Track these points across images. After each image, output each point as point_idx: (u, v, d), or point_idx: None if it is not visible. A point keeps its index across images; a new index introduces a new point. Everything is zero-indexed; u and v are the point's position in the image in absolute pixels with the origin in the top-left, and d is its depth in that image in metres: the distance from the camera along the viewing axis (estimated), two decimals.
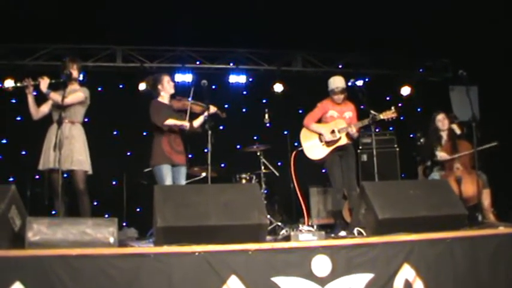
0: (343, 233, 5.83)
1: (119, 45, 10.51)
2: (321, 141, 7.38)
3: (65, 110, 6.00)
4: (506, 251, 4.97)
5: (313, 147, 7.39)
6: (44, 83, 6.08)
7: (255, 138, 9.44)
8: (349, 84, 7.47)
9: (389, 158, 9.88)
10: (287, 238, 5.03)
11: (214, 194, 5.02)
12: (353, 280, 4.59)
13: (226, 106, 9.75)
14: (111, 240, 4.56)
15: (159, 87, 6.92)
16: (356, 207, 5.71)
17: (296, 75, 11.30)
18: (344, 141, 7.30)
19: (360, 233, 5.28)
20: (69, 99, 6.09)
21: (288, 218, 9.02)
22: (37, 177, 8.63)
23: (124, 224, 8.55)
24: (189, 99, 6.82)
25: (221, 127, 9.26)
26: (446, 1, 8.63)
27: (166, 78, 6.96)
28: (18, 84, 6.14)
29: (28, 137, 7.75)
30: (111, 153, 9.67)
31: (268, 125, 8.76)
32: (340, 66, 11.24)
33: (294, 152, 7.65)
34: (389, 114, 7.23)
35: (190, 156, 8.19)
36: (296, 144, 7.67)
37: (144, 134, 7.09)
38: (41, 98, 6.32)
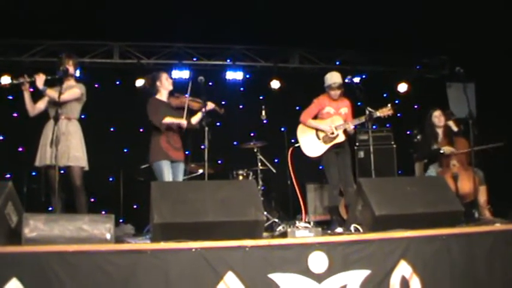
0: (339, 230, 5.85)
1: (116, 42, 10.51)
2: (318, 138, 7.38)
3: (61, 106, 6.00)
4: (503, 247, 4.97)
5: (310, 144, 7.39)
6: (40, 79, 6.06)
7: (252, 134, 9.46)
8: (346, 81, 7.47)
9: (386, 155, 9.89)
10: (284, 234, 5.05)
11: (211, 191, 5.01)
12: (350, 276, 4.59)
13: (223, 102, 9.66)
14: (108, 236, 4.56)
15: (158, 84, 6.96)
16: (353, 204, 5.72)
17: (293, 71, 11.31)
18: (341, 138, 7.31)
19: (356, 230, 5.29)
20: (65, 96, 6.08)
21: (285, 215, 9.01)
22: (34, 173, 8.60)
23: (121, 220, 8.54)
24: (187, 95, 6.82)
25: (218, 123, 9.25)
26: None
27: (164, 75, 7.01)
28: (15, 81, 6.13)
29: (25, 133, 7.74)
30: (108, 149, 9.66)
31: (265, 121, 8.76)
32: (337, 63, 11.25)
33: (291, 149, 7.65)
34: (385, 112, 7.24)
35: (187, 152, 8.19)
36: (293, 140, 7.67)
37: (141, 130, 7.09)
38: (37, 95, 6.31)
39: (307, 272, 4.53)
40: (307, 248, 4.62)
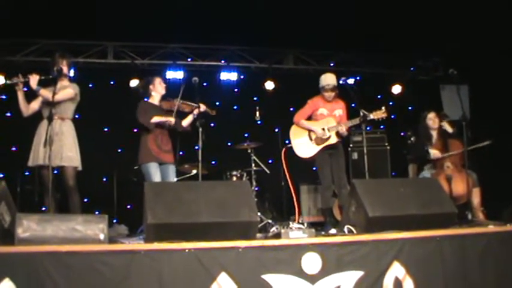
0: (333, 231, 5.85)
1: (110, 42, 10.49)
2: (311, 139, 7.39)
3: (55, 106, 5.98)
4: (496, 249, 4.99)
5: (303, 145, 7.40)
6: (34, 79, 6.05)
7: (246, 135, 9.46)
8: (341, 82, 7.47)
9: (380, 156, 9.91)
10: (277, 235, 5.04)
11: (205, 191, 5.01)
12: (343, 277, 4.60)
13: (217, 103, 9.78)
14: (101, 236, 4.55)
15: (151, 87, 7.05)
16: (346, 205, 5.72)
17: (287, 73, 11.31)
18: (334, 140, 7.31)
19: (350, 231, 5.29)
20: (59, 96, 6.06)
21: (279, 216, 9.02)
22: (27, 173, 8.59)
23: (114, 220, 8.54)
24: (179, 99, 6.85)
25: (212, 124, 9.26)
26: (437, 0, 8.65)
27: (158, 80, 7.10)
28: (8, 82, 6.11)
29: (18, 133, 7.72)
30: (102, 149, 9.64)
31: (259, 122, 8.77)
32: (331, 65, 11.26)
33: (284, 149, 7.66)
34: (379, 114, 7.25)
35: (181, 153, 8.20)
36: (287, 141, 7.68)
37: (135, 130, 7.06)
38: (31, 94, 6.29)
39: (300, 273, 4.53)
40: (301, 249, 4.62)
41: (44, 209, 6.49)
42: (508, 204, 6.35)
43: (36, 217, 4.50)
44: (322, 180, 7.38)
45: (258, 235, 5.30)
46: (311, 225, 7.25)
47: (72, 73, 6.87)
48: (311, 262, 4.57)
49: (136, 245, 4.85)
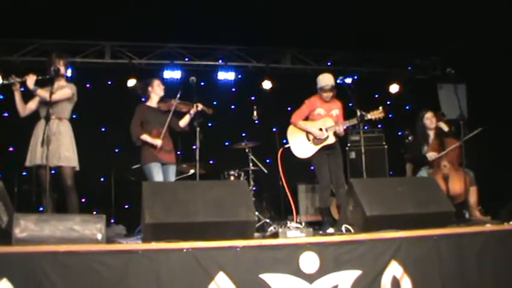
0: (331, 230, 5.85)
1: (107, 41, 10.48)
2: (309, 139, 7.39)
3: (52, 106, 5.97)
4: (493, 247, 4.99)
5: (300, 145, 7.41)
6: (31, 79, 6.04)
7: (244, 135, 9.46)
8: (338, 81, 7.49)
9: (378, 156, 9.93)
10: (275, 235, 5.04)
11: (203, 191, 5.01)
12: (341, 277, 4.60)
13: (214, 103, 9.76)
14: (99, 236, 4.55)
15: (149, 89, 7.15)
16: (344, 204, 5.72)
17: (285, 72, 11.31)
18: (332, 140, 7.32)
19: (347, 230, 5.29)
20: (56, 96, 6.06)
21: (276, 215, 9.02)
22: (24, 173, 8.59)
23: (112, 220, 8.54)
24: (176, 99, 6.89)
25: (210, 124, 9.25)
26: (435, 0, 8.67)
27: (157, 82, 7.20)
28: (5, 82, 6.10)
29: (15, 133, 7.72)
30: (99, 149, 9.64)
31: (256, 122, 8.76)
32: (329, 64, 11.26)
33: (281, 149, 7.66)
34: (376, 114, 7.26)
35: (179, 153, 8.20)
36: (285, 141, 7.68)
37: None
38: (28, 95, 6.29)
39: (298, 273, 4.53)
40: (299, 248, 4.62)
41: (41, 209, 6.49)
42: (505, 203, 6.36)
43: (33, 217, 4.50)
44: (320, 180, 7.39)
45: (256, 234, 5.30)
46: (309, 224, 7.25)
47: (69, 73, 6.87)
48: (309, 261, 4.58)
49: (134, 244, 4.84)
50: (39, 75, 6.12)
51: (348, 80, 9.59)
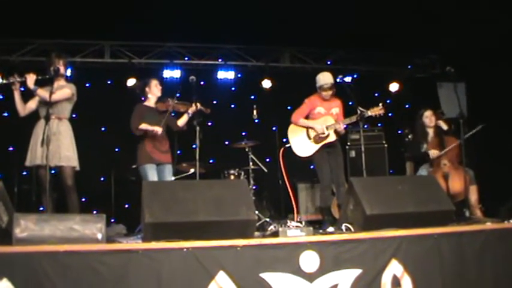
0: (331, 229, 5.85)
1: (107, 41, 10.47)
2: (309, 137, 7.39)
3: (52, 106, 5.97)
4: (493, 246, 4.99)
5: (301, 144, 7.41)
6: (31, 79, 6.04)
7: (244, 134, 9.46)
8: (338, 80, 7.49)
9: (378, 154, 9.93)
10: (275, 234, 5.04)
11: (203, 190, 5.01)
12: (341, 276, 4.60)
13: (214, 102, 9.79)
14: (99, 236, 4.55)
15: (147, 89, 7.19)
16: (344, 203, 5.72)
17: (284, 71, 11.30)
18: (332, 138, 7.32)
19: (348, 229, 5.30)
20: (56, 96, 6.06)
21: (276, 214, 9.03)
22: (24, 173, 8.59)
23: (112, 220, 8.52)
24: (174, 99, 6.91)
25: (209, 123, 9.26)
26: None
27: (154, 82, 7.22)
28: (5, 81, 6.10)
29: (15, 133, 7.71)
30: (99, 149, 9.64)
31: (256, 121, 8.76)
32: (328, 63, 11.25)
33: (282, 149, 7.65)
34: (376, 111, 7.26)
35: (178, 152, 8.19)
36: (285, 140, 7.68)
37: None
38: (28, 94, 6.29)
39: (298, 271, 4.53)
40: (299, 247, 4.63)
41: (41, 208, 6.49)
42: (505, 201, 6.36)
43: (33, 217, 4.50)
44: (320, 179, 7.39)
45: (256, 234, 5.29)
46: (309, 223, 7.28)
47: (68, 73, 6.87)
48: (309, 260, 4.58)
49: (134, 244, 4.84)
50: (38, 75, 6.12)
51: (348, 79, 9.61)
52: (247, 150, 8.76)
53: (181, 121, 7.16)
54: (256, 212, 6.08)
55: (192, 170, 8.54)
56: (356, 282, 4.62)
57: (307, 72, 10.89)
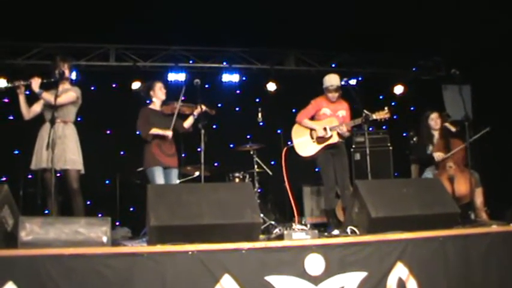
0: (336, 232, 5.84)
1: (112, 44, 10.49)
2: (312, 137, 7.40)
3: (57, 109, 5.99)
4: (499, 249, 4.98)
5: (304, 144, 7.41)
6: (36, 83, 6.07)
7: (248, 137, 9.45)
8: (342, 83, 7.48)
9: (383, 157, 9.90)
10: (280, 237, 5.03)
11: (208, 193, 5.01)
12: (346, 279, 4.60)
13: (219, 105, 9.81)
14: (104, 239, 4.55)
15: (151, 93, 7.23)
16: (349, 206, 5.71)
17: (289, 74, 11.29)
18: (335, 139, 7.31)
19: (353, 232, 5.29)
20: (61, 99, 6.08)
21: (281, 217, 9.02)
22: (30, 176, 8.61)
23: (117, 223, 8.52)
24: (179, 101, 6.93)
25: (214, 126, 9.27)
26: (439, 0, 8.65)
27: (158, 85, 7.24)
28: (10, 85, 6.13)
29: (20, 136, 7.72)
30: (104, 152, 9.65)
31: (261, 123, 8.76)
32: (333, 65, 11.23)
33: (285, 149, 7.64)
34: (382, 115, 7.23)
35: (183, 155, 8.21)
36: (289, 143, 7.67)
37: (138, 133, 7.09)
38: (33, 98, 6.31)
39: (303, 274, 4.53)
40: (304, 250, 4.62)
41: (46, 212, 6.50)
42: (511, 203, 6.34)
43: (39, 220, 4.51)
44: (325, 182, 7.38)
45: (261, 237, 5.30)
46: (314, 226, 7.27)
47: (73, 76, 6.88)
48: (314, 263, 4.57)
49: (139, 247, 4.85)
50: (43, 78, 6.14)
51: (352, 82, 9.60)
52: (252, 153, 8.77)
53: (187, 123, 7.19)
54: (261, 215, 6.08)
55: (197, 173, 8.54)
56: (361, 285, 4.62)
57: (312, 75, 10.90)
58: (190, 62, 10.88)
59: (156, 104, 7.17)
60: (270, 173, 8.85)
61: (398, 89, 11.40)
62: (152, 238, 4.70)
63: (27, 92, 6.25)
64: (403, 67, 11.65)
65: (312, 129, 7.42)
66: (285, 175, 7.45)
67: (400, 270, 4.70)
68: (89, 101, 6.71)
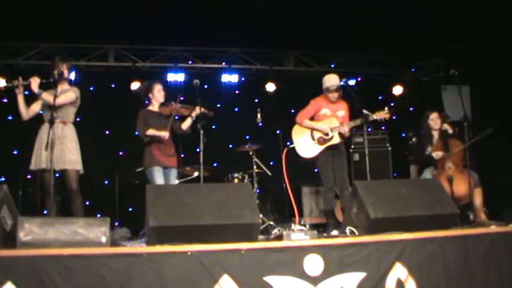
0: (335, 232, 5.83)
1: (111, 45, 10.49)
2: (313, 139, 7.38)
3: (56, 110, 5.97)
4: (498, 249, 4.98)
5: (305, 145, 7.40)
6: (35, 83, 6.06)
7: (248, 137, 9.44)
8: (342, 83, 7.48)
9: (382, 157, 9.91)
10: (279, 237, 5.03)
11: (207, 194, 5.01)
12: (345, 279, 4.60)
13: (218, 105, 9.81)
14: (103, 239, 4.55)
15: (150, 95, 7.24)
16: (348, 207, 5.72)
17: (288, 74, 11.30)
18: (336, 140, 7.30)
19: (352, 232, 5.28)
20: (60, 99, 6.07)
21: (280, 218, 9.02)
22: (29, 176, 8.61)
23: (116, 223, 8.53)
24: (177, 103, 6.94)
25: (213, 126, 9.26)
26: (439, 1, 8.65)
27: (157, 88, 7.25)
28: (9, 84, 6.12)
29: (19, 136, 7.72)
30: (103, 152, 9.65)
31: (260, 124, 8.73)
32: (332, 66, 11.25)
33: (285, 149, 7.64)
34: (382, 115, 7.23)
35: (182, 155, 8.20)
36: (288, 143, 7.67)
37: (136, 133, 7.09)
38: (32, 98, 6.30)
39: (302, 275, 4.53)
40: (303, 250, 4.62)
41: (45, 212, 6.50)
42: (510, 204, 6.35)
43: (38, 220, 4.51)
44: (324, 182, 7.38)
45: (260, 237, 5.29)
46: (313, 226, 7.26)
47: (72, 76, 6.88)
48: (313, 264, 4.57)
49: (138, 248, 4.84)
50: (43, 78, 6.14)
51: (351, 82, 9.60)
52: (251, 153, 8.77)
53: (185, 124, 7.19)
54: (260, 216, 6.08)
55: (196, 174, 8.55)
56: (360, 285, 4.62)
57: (311, 75, 10.90)
58: (190, 62, 10.89)
59: (154, 105, 7.19)
60: (269, 173, 8.86)
61: (398, 90, 11.41)
62: (151, 238, 4.70)
63: (27, 92, 6.24)
64: (403, 68, 11.66)
65: (313, 130, 7.41)
66: (286, 176, 7.46)
67: (399, 271, 4.70)
68: (88, 102, 6.71)
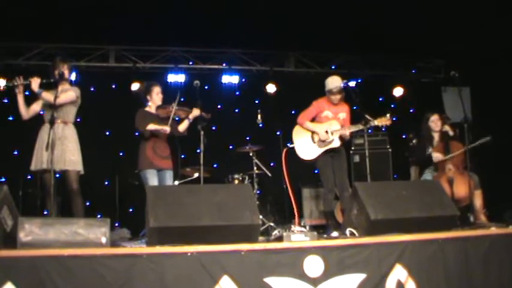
0: (335, 234, 5.84)
1: (111, 45, 10.49)
2: (313, 140, 7.37)
3: (57, 110, 5.97)
4: (498, 251, 4.99)
5: (305, 146, 7.39)
6: (35, 82, 6.06)
7: (248, 138, 9.44)
8: (342, 85, 7.47)
9: (382, 159, 9.91)
10: (279, 238, 5.03)
11: (207, 195, 5.01)
12: (345, 280, 4.60)
13: (218, 106, 9.81)
14: (103, 240, 4.55)
15: (148, 97, 7.20)
16: (348, 208, 5.72)
17: (289, 75, 11.30)
18: (337, 143, 7.27)
19: (352, 234, 5.29)
20: (61, 99, 6.07)
21: (281, 219, 9.02)
22: (29, 177, 8.60)
23: (116, 224, 8.53)
24: (174, 105, 6.92)
25: (214, 128, 9.27)
26: (439, 2, 8.65)
27: (155, 90, 7.20)
28: (9, 84, 6.12)
29: (20, 137, 7.72)
30: (104, 153, 9.65)
31: (260, 125, 8.74)
32: (333, 67, 11.25)
33: (285, 149, 7.63)
34: (383, 121, 7.23)
35: (182, 156, 8.20)
36: (289, 144, 7.66)
37: (136, 134, 7.10)
38: (32, 98, 6.30)
39: (302, 276, 4.53)
40: (303, 252, 4.63)
41: (46, 212, 6.50)
42: (510, 205, 6.34)
43: (38, 221, 4.51)
44: (324, 183, 7.37)
45: (260, 238, 5.30)
46: (313, 228, 7.25)
47: (73, 77, 6.88)
48: (313, 265, 4.57)
49: (139, 248, 4.85)
50: (43, 78, 6.14)
51: (352, 84, 9.59)
52: (251, 154, 8.77)
53: (182, 127, 7.19)
54: (261, 217, 6.09)
55: (196, 175, 8.54)
56: (360, 287, 4.62)
57: (312, 76, 10.91)
58: (190, 63, 10.89)
59: (151, 107, 7.17)
60: (270, 174, 8.85)
61: (398, 91, 11.40)
62: (151, 239, 4.70)
63: (27, 92, 6.24)
64: (403, 69, 11.66)
65: (313, 132, 7.40)
66: (286, 177, 7.46)
67: (399, 273, 4.70)
68: (88, 102, 6.71)
